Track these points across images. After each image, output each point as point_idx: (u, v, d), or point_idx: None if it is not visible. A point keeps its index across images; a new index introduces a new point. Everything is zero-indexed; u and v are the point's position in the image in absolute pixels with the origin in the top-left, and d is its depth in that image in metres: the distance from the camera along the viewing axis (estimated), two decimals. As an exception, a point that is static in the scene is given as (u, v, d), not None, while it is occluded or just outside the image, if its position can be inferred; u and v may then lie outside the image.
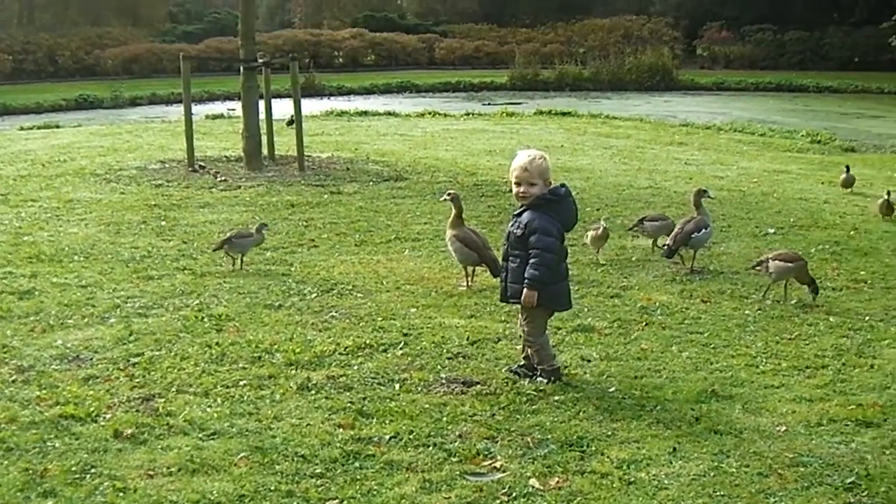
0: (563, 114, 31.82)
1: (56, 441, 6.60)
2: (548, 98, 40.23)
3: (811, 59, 58.17)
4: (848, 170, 17.61)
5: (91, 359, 8.23)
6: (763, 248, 12.54)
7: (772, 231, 13.64)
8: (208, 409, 7.17)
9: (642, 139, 25.57)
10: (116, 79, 45.04)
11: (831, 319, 9.71)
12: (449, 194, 10.65)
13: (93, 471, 6.18)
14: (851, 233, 13.70)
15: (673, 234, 11.53)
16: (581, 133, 26.64)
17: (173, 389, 7.57)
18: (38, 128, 26.85)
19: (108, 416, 7.03)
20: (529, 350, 7.94)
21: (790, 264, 10.09)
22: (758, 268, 10.41)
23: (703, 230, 11.37)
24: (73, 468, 6.20)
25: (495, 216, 14.32)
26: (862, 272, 11.50)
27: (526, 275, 7.71)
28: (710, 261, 11.91)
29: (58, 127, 27.18)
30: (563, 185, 7.87)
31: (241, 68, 18.67)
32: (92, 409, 7.11)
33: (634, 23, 59.60)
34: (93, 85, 41.65)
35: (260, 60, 18.98)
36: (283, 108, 23.13)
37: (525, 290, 7.71)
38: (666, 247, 11.57)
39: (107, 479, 6.08)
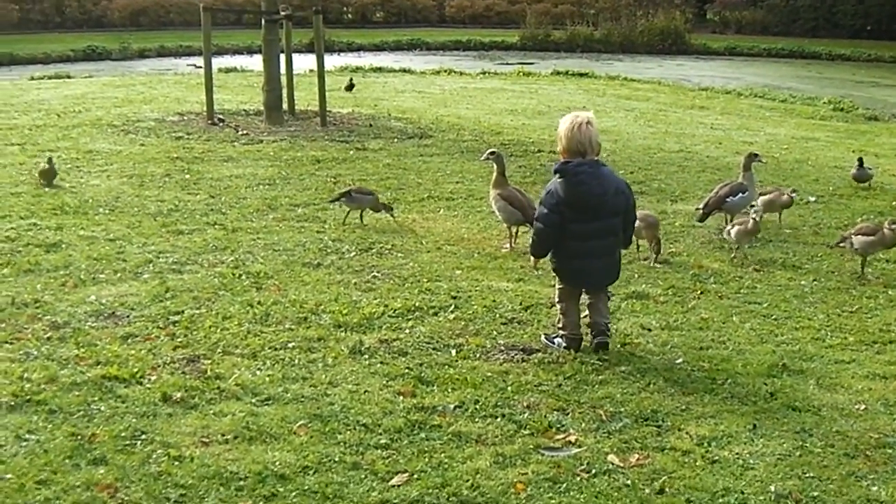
0: (581, 75, 31.33)
1: (101, 404, 6.27)
2: (560, 59, 39.62)
3: (823, 27, 57.57)
4: (861, 163, 14.38)
5: (128, 316, 7.89)
6: (807, 216, 12.21)
7: (813, 199, 13.27)
8: (258, 373, 6.84)
9: (663, 102, 25.15)
10: (124, 30, 44.48)
11: (890, 293, 9.41)
12: (491, 153, 10.31)
13: (143, 437, 5.85)
14: (894, 203, 13.34)
15: (707, 197, 11.22)
16: (601, 95, 26.22)
17: (219, 350, 7.23)
18: (49, 78, 26.35)
19: (153, 377, 6.70)
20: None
21: (873, 237, 9.70)
22: (842, 244, 10.05)
23: (740, 195, 11.01)
24: (123, 434, 5.87)
25: (527, 177, 13.95)
26: (913, 243, 11.15)
27: None
28: (756, 228, 11.55)
29: (69, 77, 26.66)
30: (567, 162, 7.38)
31: (263, 21, 18.20)
32: (136, 370, 6.77)
33: (646, -15, 59.00)
34: (100, 36, 41.02)
35: (283, 13, 18.48)
36: (299, 63, 22.53)
37: None
38: (699, 210, 11.24)
39: (159, 445, 5.75)
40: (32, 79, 26.01)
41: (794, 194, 11.59)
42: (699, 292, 9.09)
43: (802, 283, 9.57)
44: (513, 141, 17.12)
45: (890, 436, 6.28)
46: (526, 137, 17.54)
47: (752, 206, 10.82)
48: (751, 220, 10.06)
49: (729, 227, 10.41)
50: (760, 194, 11.71)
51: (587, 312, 7.68)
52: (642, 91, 27.73)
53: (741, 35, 55.47)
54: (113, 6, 48.40)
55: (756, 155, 11.38)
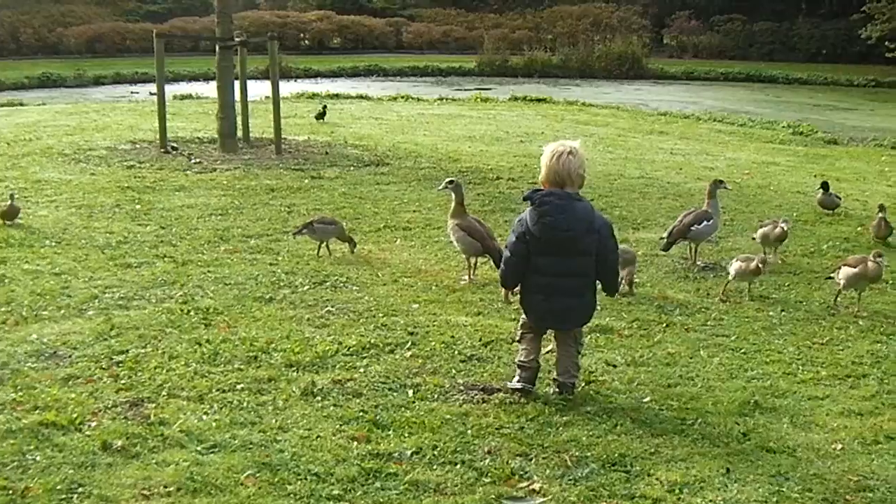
0: (539, 100, 31.14)
1: (37, 454, 5.88)
2: (517, 84, 39.44)
3: (780, 50, 57.77)
4: (826, 188, 14.26)
5: (70, 356, 7.51)
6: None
7: (785, 227, 12.99)
8: (205, 418, 6.48)
9: (622, 127, 24.94)
10: (80, 57, 44.05)
11: (860, 323, 9.16)
12: (449, 182, 10.02)
13: (80, 490, 5.48)
14: (859, 228, 13.13)
15: (671, 226, 10.97)
16: (559, 120, 26.00)
17: (164, 393, 6.86)
18: (2, 105, 25.85)
19: (93, 423, 6.33)
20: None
21: (856, 270, 9.41)
22: (832, 276, 9.89)
23: (705, 223, 10.76)
24: (59, 486, 5.50)
25: (486, 205, 13.67)
26: (881, 271, 10.91)
27: None
28: (721, 256, 11.28)
29: (21, 105, 26.22)
30: (536, 191, 7.08)
31: (217, 47, 17.91)
32: (75, 415, 6.40)
33: (603, 10, 58.83)
34: (56, 63, 40.54)
35: (237, 39, 18.16)
36: (254, 90, 22.17)
37: None
38: (663, 239, 10.98)
39: (97, 499, 5.40)
40: (-16, 106, 25.56)
41: (784, 224, 11.21)
42: (665, 325, 8.81)
43: (771, 314, 9.31)
44: (471, 168, 16.84)
45: (869, 477, 6.01)
46: (484, 164, 17.26)
47: (765, 257, 10.28)
48: (754, 262, 9.56)
49: (733, 261, 9.85)
50: (759, 226, 11.44)
51: (552, 347, 7.38)
52: (601, 116, 27.54)
53: (698, 59, 55.64)
54: (69, 33, 48.01)
55: (721, 182, 11.13)
